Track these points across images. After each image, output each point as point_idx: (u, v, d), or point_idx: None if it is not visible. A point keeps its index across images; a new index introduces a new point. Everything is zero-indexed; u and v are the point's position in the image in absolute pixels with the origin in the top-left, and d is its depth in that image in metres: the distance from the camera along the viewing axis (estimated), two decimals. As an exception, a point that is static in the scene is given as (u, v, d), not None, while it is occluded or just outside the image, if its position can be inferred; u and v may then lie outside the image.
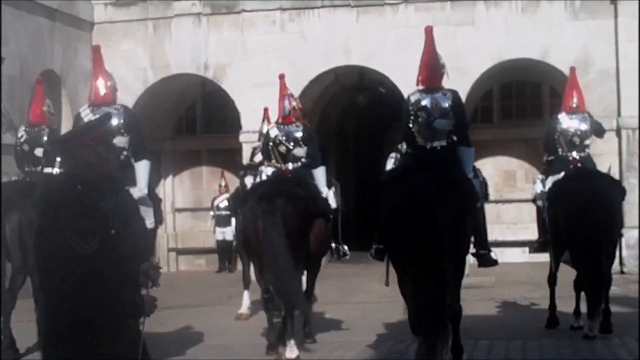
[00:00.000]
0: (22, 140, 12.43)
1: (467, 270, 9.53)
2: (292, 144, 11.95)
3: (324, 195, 11.70)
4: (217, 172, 23.66)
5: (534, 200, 13.16)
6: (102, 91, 10.55)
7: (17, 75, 18.07)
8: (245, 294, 14.67)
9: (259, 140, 14.46)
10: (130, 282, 4.92)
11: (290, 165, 11.82)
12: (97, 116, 4.94)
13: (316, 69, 21.39)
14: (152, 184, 10.77)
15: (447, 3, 20.93)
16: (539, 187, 12.70)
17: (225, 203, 21.77)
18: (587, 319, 11.47)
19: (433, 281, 8.17)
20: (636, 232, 18.85)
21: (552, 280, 12.54)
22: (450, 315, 8.73)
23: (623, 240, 12.66)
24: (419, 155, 9.48)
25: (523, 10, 20.71)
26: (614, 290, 12.23)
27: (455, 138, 9.46)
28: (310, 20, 21.45)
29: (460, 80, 17.80)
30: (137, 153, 10.37)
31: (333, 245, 12.00)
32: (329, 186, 12.03)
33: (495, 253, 9.86)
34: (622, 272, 18.33)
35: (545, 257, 12.82)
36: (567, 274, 12.35)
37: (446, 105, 9.49)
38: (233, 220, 14.07)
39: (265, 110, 15.17)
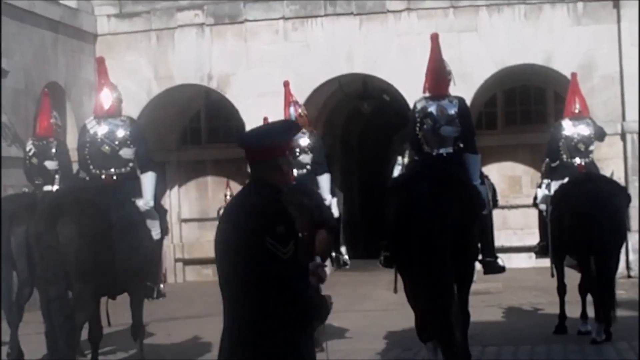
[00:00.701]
0: (30, 153, 12.45)
1: (474, 277, 9.53)
2: (297, 150, 11.98)
3: (327, 203, 11.71)
4: (223, 182, 23.60)
5: (535, 205, 13.15)
6: (108, 103, 10.55)
7: (22, 88, 18.10)
8: (252, 303, 14.65)
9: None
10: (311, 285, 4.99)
11: (295, 172, 11.85)
12: (285, 126, 5.06)
13: (320, 78, 21.39)
14: (158, 195, 10.78)
15: (450, 10, 20.93)
16: (543, 191, 12.70)
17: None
18: (595, 322, 11.47)
19: (438, 288, 8.18)
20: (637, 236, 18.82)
21: (561, 290, 12.53)
22: (458, 322, 8.73)
23: (629, 244, 12.67)
24: (425, 162, 9.49)
25: (526, 16, 20.70)
26: (620, 294, 12.24)
27: (461, 145, 9.48)
28: (313, 29, 21.46)
29: (463, 86, 17.77)
30: (143, 165, 10.36)
31: (333, 254, 12.00)
32: (332, 194, 12.05)
33: (503, 260, 9.85)
34: (628, 276, 18.33)
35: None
36: (573, 279, 12.34)
37: (452, 112, 9.50)
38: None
39: (265, 120, 15.14)
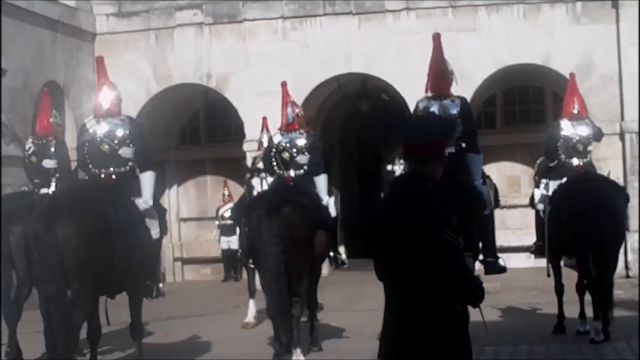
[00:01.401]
0: (29, 152, 12.44)
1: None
2: (295, 151, 11.98)
3: (324, 203, 11.72)
4: (222, 181, 23.66)
5: (532, 204, 13.15)
6: (107, 102, 10.54)
7: (20, 87, 18.09)
8: (251, 302, 14.67)
9: (259, 149, 14.47)
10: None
11: (292, 172, 11.84)
12: (449, 124, 5.20)
13: (318, 77, 21.39)
14: (157, 194, 10.78)
15: (449, 9, 20.93)
16: (541, 191, 12.70)
17: (230, 212, 21.75)
18: (593, 321, 11.48)
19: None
20: (636, 236, 18.83)
21: (559, 290, 12.54)
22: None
23: (628, 244, 12.69)
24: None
25: (525, 15, 20.71)
26: (619, 294, 12.24)
27: (463, 145, 9.48)
28: (312, 29, 21.46)
29: (462, 86, 17.70)
30: (142, 164, 10.36)
31: (331, 254, 12.00)
32: (329, 194, 12.06)
33: (504, 260, 9.85)
34: (627, 276, 18.33)
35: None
36: (571, 279, 12.35)
37: (454, 112, 9.51)
38: (238, 229, 14.07)
39: (264, 119, 15.12)
